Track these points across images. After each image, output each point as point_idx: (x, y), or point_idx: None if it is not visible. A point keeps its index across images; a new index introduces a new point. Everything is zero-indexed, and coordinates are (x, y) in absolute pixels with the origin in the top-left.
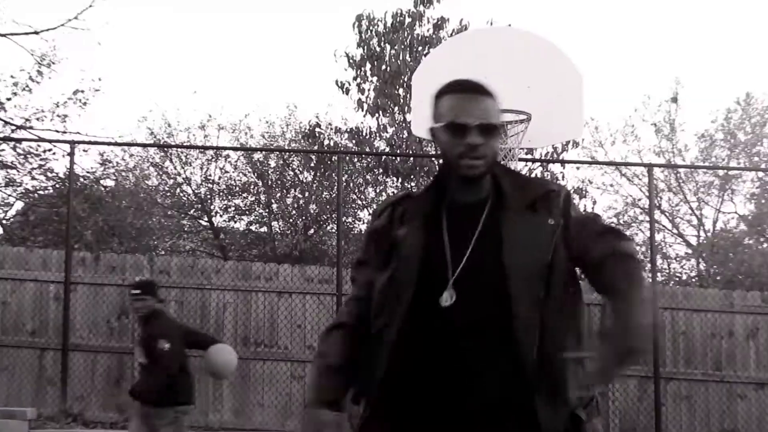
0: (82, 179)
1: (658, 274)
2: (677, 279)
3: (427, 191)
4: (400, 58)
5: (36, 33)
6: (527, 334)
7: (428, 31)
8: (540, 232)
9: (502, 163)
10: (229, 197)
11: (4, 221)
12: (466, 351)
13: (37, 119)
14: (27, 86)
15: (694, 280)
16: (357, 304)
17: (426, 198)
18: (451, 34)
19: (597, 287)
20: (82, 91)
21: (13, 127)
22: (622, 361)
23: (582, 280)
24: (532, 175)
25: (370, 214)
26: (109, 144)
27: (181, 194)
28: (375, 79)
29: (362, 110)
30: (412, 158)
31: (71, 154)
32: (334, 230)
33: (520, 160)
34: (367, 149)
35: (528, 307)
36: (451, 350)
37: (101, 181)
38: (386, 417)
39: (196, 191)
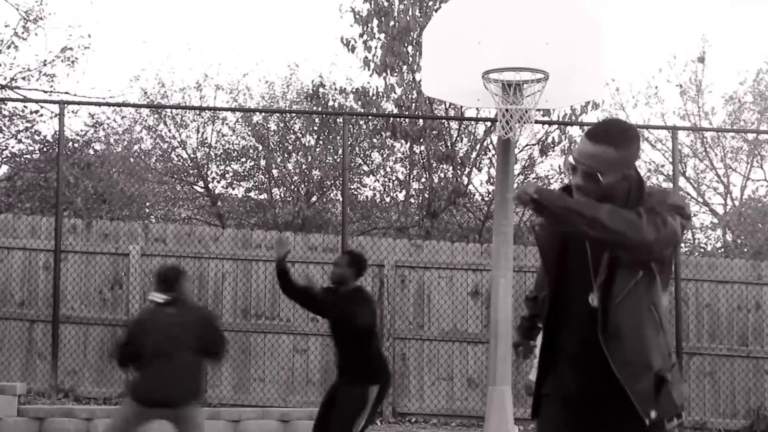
0: (71, 142)
1: (682, 245)
2: (702, 250)
3: None
4: (410, 13)
5: None
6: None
7: None
8: None
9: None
10: (227, 162)
11: None
12: None
13: (23, 78)
14: (12, 43)
15: (719, 251)
16: None
17: None
18: None
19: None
20: (71, 49)
21: None
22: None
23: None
24: (548, 139)
25: (376, 180)
26: (99, 104)
27: (176, 159)
28: (382, 35)
29: (369, 69)
30: (421, 120)
31: (60, 115)
32: (338, 197)
33: (537, 122)
34: (374, 110)
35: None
36: None
37: (91, 145)
38: None
39: (191, 156)
